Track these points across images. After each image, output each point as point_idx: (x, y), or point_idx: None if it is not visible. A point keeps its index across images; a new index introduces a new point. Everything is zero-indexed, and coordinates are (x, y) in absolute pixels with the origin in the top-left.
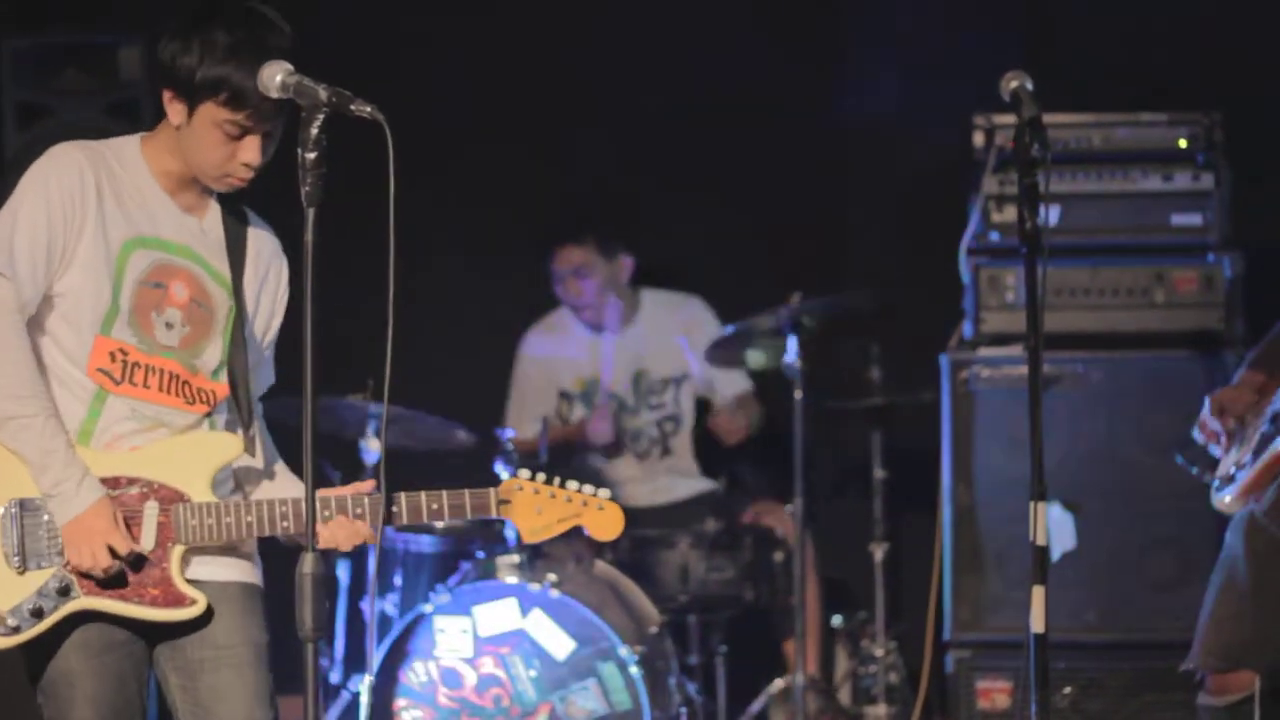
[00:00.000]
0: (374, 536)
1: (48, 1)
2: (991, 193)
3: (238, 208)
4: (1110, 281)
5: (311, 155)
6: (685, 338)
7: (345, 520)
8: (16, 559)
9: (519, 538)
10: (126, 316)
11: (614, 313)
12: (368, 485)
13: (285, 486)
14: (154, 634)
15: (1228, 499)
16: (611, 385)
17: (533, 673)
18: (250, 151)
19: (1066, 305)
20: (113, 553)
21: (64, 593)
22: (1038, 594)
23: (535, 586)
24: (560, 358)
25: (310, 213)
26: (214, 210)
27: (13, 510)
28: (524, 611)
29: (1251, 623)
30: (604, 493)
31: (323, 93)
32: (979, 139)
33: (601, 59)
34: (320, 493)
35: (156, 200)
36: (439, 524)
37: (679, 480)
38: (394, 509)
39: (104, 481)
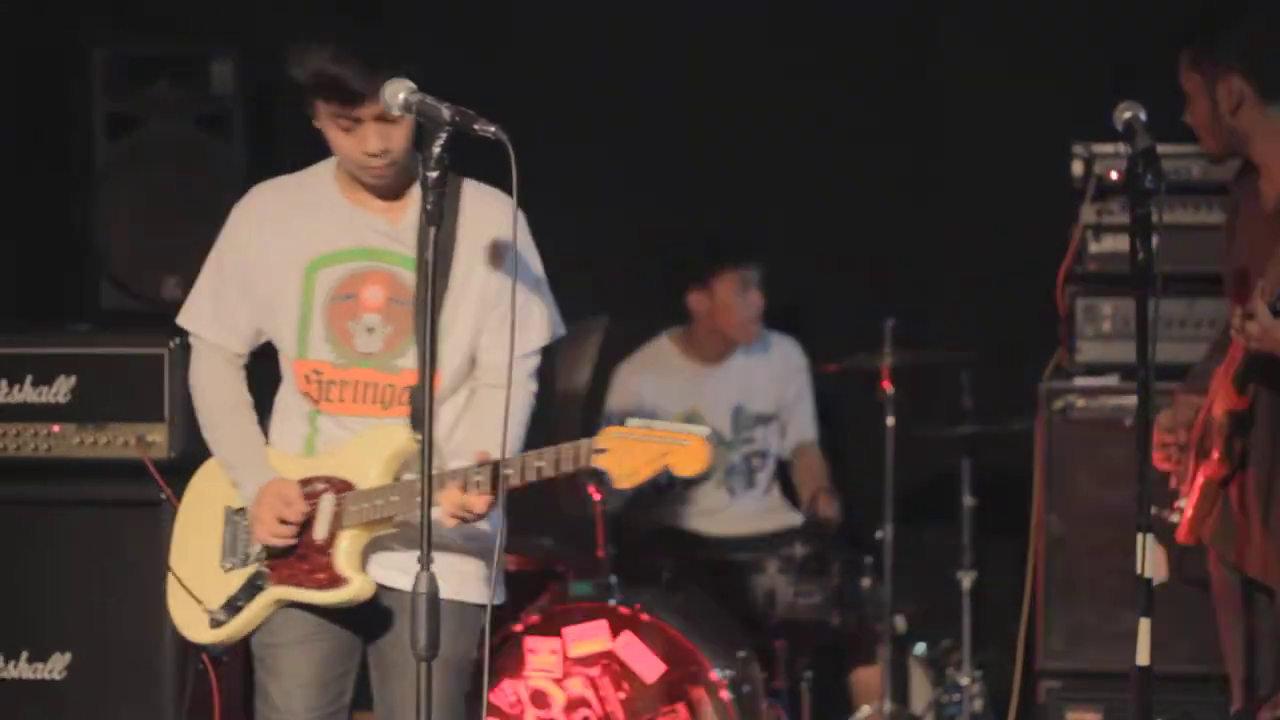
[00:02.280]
0: (485, 506)
1: (140, 12)
2: (1089, 222)
3: (444, 190)
4: (1207, 313)
5: (434, 174)
6: (779, 382)
7: (454, 492)
8: (227, 561)
9: (609, 560)
10: (322, 334)
11: (721, 342)
12: (482, 454)
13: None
14: (364, 629)
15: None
16: (710, 418)
17: (622, 694)
18: (368, 140)
19: (1163, 337)
20: (290, 526)
21: (256, 588)
22: (1144, 626)
23: (626, 609)
24: (658, 391)
25: (431, 232)
26: (411, 204)
27: (231, 516)
28: (614, 633)
29: (1272, 649)
30: (699, 429)
31: (446, 111)
32: (1078, 168)
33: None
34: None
35: (343, 213)
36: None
37: (765, 513)
38: (508, 471)
39: (300, 483)
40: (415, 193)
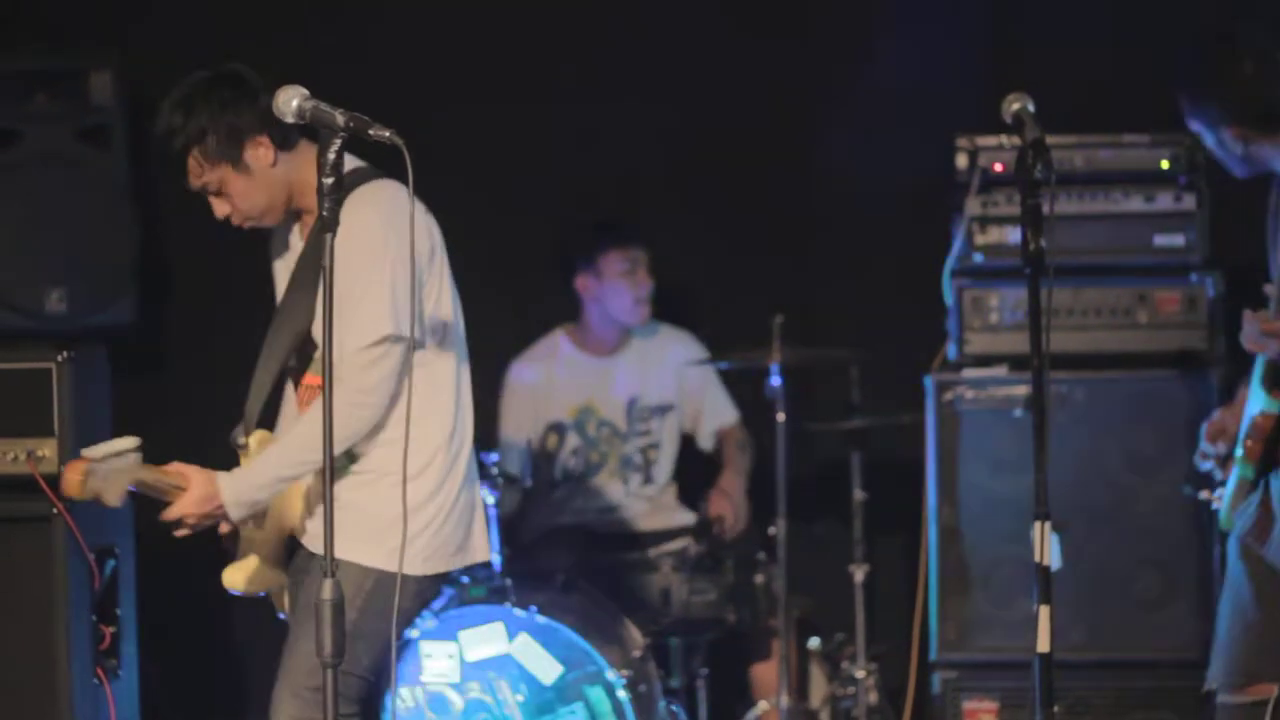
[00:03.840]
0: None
1: (17, 26)
2: (975, 214)
3: (340, 196)
4: (1093, 302)
5: (329, 180)
6: (675, 372)
7: None
8: None
9: (504, 562)
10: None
11: (616, 333)
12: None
13: None
14: None
15: (1222, 519)
16: (603, 410)
17: (520, 697)
18: None
19: (1050, 326)
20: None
21: None
22: (1044, 614)
23: (521, 611)
24: (551, 385)
25: (329, 238)
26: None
27: None
28: (511, 636)
29: (1262, 638)
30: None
31: (340, 117)
32: (962, 160)
33: (585, 92)
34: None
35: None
36: None
37: (660, 510)
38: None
39: None
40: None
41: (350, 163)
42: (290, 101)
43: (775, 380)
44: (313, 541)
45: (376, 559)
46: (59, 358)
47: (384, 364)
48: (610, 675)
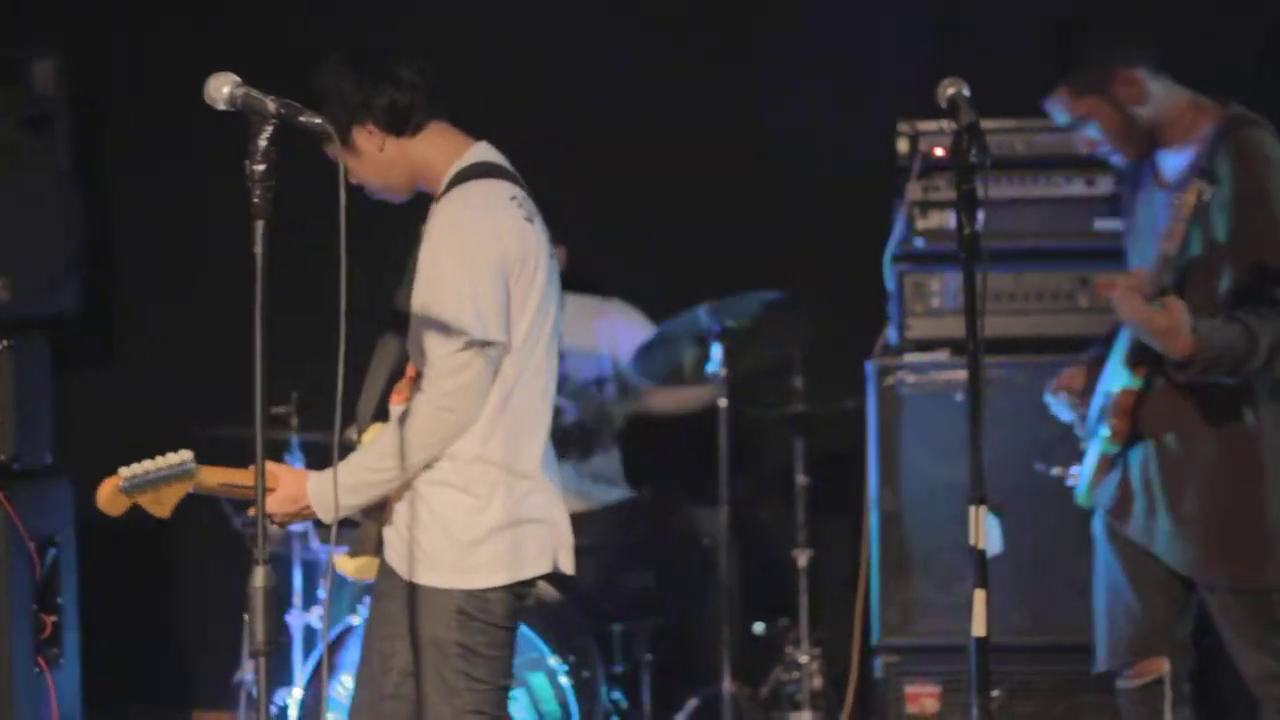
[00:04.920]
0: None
1: None
2: (916, 199)
3: (272, 183)
4: (1034, 286)
5: (260, 167)
6: (609, 341)
7: None
8: None
9: None
10: None
11: None
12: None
13: None
14: None
15: (1080, 496)
16: None
17: None
18: None
19: (990, 310)
20: None
21: None
22: (979, 598)
23: None
24: None
25: (259, 225)
26: None
27: None
28: None
29: (1142, 616)
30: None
31: (271, 104)
32: (903, 145)
33: (522, 63)
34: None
35: None
36: None
37: (601, 486)
38: None
39: None
40: None
41: (481, 153)
42: (221, 89)
43: (717, 366)
44: (389, 554)
45: (452, 581)
46: (0, 345)
47: (469, 369)
48: (552, 661)
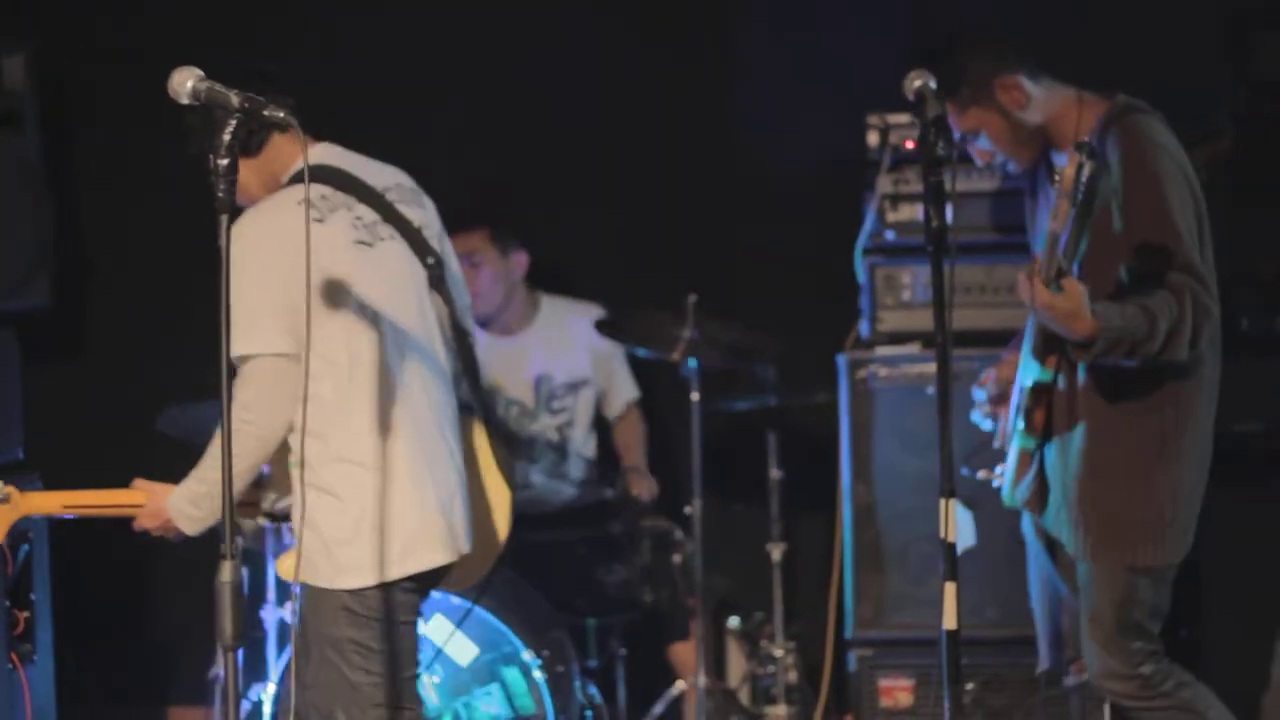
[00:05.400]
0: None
1: None
2: (886, 192)
3: (235, 177)
4: (1005, 279)
5: (224, 161)
6: (587, 346)
7: None
8: None
9: None
10: None
11: (516, 312)
12: None
13: None
14: None
15: (1005, 496)
16: (511, 390)
17: (436, 679)
18: None
19: (963, 303)
20: None
21: None
22: (949, 591)
23: (437, 593)
24: None
25: (223, 219)
26: None
27: None
28: (426, 618)
29: (1077, 610)
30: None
31: (235, 98)
32: (873, 138)
33: (488, 61)
34: None
35: None
36: None
37: (576, 486)
38: None
39: None
40: None
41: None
42: (185, 83)
43: (690, 359)
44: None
45: (330, 581)
46: None
47: (253, 381)
48: (527, 656)
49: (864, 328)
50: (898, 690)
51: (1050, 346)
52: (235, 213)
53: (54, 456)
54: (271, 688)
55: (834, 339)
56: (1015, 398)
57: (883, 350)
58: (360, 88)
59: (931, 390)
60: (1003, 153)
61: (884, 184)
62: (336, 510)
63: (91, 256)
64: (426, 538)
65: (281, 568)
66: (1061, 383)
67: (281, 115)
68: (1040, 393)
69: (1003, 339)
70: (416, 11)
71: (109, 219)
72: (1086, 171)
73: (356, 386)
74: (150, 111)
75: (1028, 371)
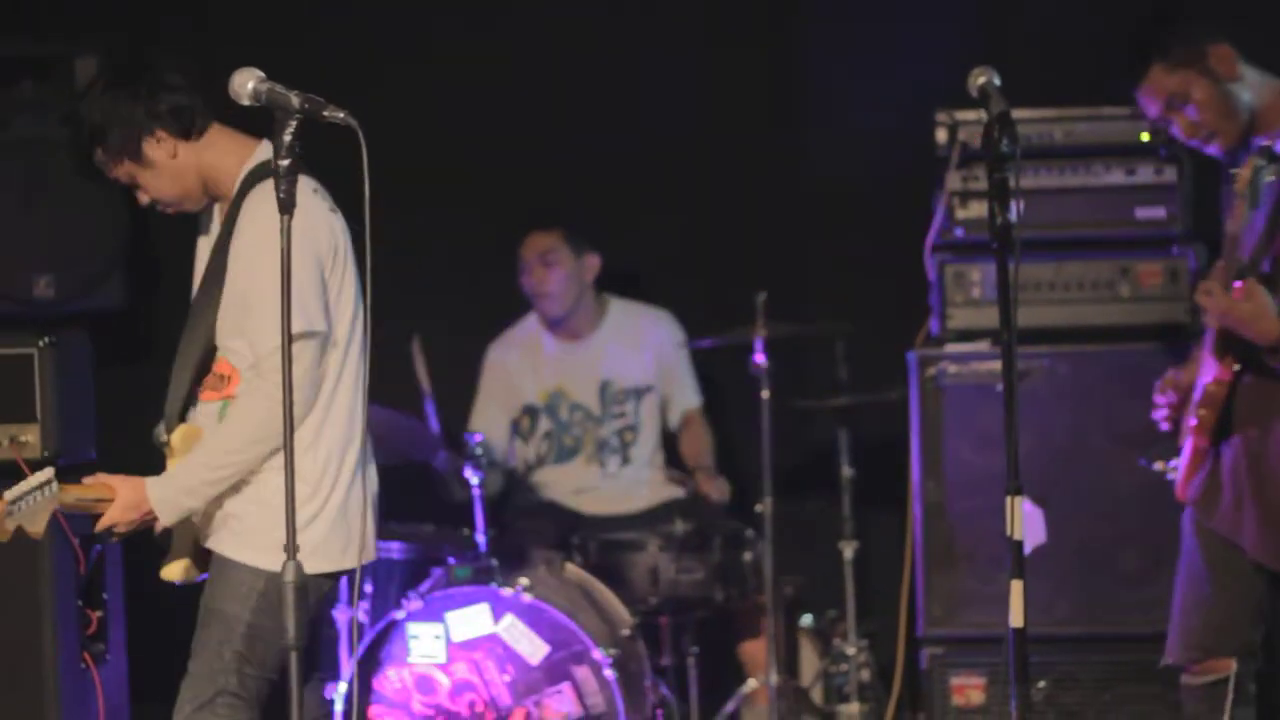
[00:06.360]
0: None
1: (0, 14)
2: (955, 189)
3: (296, 178)
4: (1075, 276)
5: (285, 162)
6: (655, 353)
7: None
8: None
9: (489, 543)
10: None
11: (584, 316)
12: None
13: None
14: None
15: (1177, 491)
16: (577, 394)
17: (506, 677)
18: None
19: (1032, 300)
20: None
21: None
22: (1016, 588)
23: (507, 591)
24: (523, 369)
25: (285, 220)
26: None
27: None
28: (496, 617)
29: (1217, 611)
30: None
31: (295, 99)
32: (942, 135)
33: (563, 72)
34: None
35: None
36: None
37: (644, 488)
38: None
39: None
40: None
41: (268, 150)
42: (246, 84)
43: (760, 358)
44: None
45: (263, 561)
46: (41, 343)
47: (301, 359)
48: (597, 654)
49: (934, 325)
50: (969, 688)
51: (1229, 346)
52: (292, 214)
53: (126, 456)
54: (343, 687)
55: (904, 336)
56: (1196, 395)
57: (952, 347)
58: (448, 89)
59: (1001, 387)
60: (1208, 126)
61: (953, 181)
62: (302, 497)
63: (163, 256)
64: (365, 540)
65: (174, 573)
66: (1245, 383)
67: (341, 116)
68: (1216, 393)
69: (1072, 336)
70: (506, 16)
71: (184, 221)
72: (1265, 176)
73: (347, 370)
74: (222, 112)
75: (1208, 370)
